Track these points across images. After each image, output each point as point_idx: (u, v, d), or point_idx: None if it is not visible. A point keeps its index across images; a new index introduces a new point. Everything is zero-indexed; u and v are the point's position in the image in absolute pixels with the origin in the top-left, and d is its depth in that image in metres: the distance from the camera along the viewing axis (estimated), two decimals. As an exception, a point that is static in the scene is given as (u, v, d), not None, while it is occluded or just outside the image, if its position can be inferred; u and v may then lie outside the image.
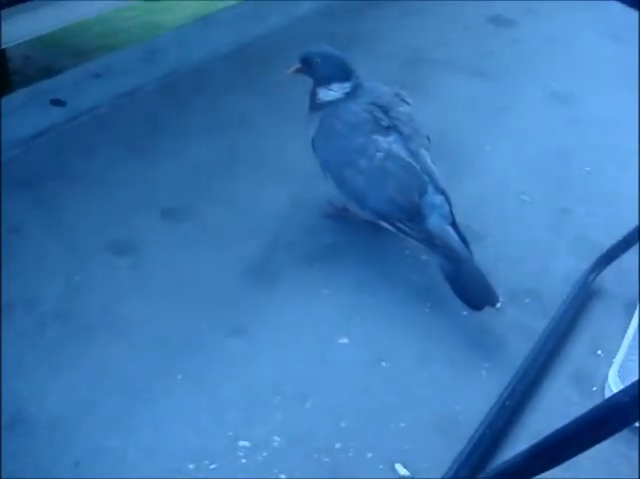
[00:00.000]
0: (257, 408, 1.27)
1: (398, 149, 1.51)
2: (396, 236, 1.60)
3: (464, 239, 1.49)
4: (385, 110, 1.55)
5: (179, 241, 1.61)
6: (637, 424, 1.29)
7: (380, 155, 1.50)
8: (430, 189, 1.51)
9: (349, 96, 1.57)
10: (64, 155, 1.85)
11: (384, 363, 1.37)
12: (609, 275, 1.60)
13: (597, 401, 1.29)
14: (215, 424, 1.24)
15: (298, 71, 1.57)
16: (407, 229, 1.49)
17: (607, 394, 1.34)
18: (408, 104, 1.61)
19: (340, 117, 1.55)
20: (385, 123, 1.53)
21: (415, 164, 1.51)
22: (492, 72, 2.37)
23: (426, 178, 1.52)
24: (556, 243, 1.71)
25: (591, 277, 1.58)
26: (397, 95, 1.61)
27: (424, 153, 1.55)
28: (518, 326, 1.47)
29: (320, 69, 1.55)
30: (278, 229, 1.66)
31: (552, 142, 2.07)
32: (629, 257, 1.58)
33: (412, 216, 1.48)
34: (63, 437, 1.20)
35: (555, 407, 1.32)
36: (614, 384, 1.32)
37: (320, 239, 1.64)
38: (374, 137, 1.51)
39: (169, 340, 1.38)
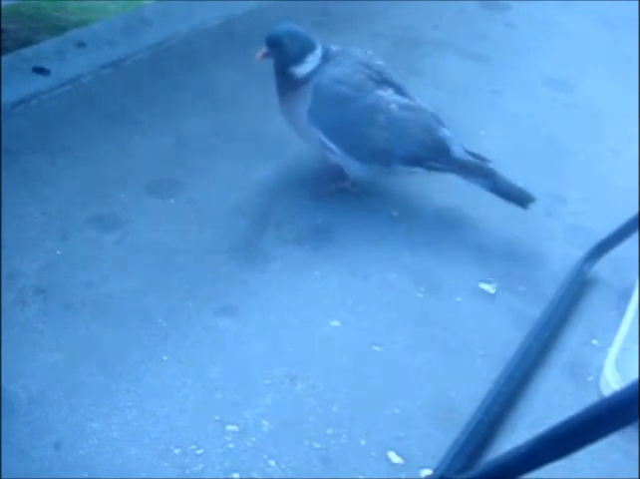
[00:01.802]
0: (246, 391, 1.23)
1: (401, 98, 1.57)
2: (389, 217, 1.57)
3: (479, 157, 1.58)
4: (369, 66, 1.57)
5: (166, 218, 1.56)
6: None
7: (394, 107, 1.54)
8: (439, 125, 1.58)
9: (324, 62, 1.55)
10: (46, 125, 1.78)
11: (376, 347, 1.33)
12: (605, 265, 1.57)
13: (592, 391, 1.29)
14: (202, 407, 1.19)
15: (267, 55, 1.53)
16: (440, 165, 1.57)
17: (602, 385, 1.32)
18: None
19: (337, 81, 1.53)
20: (378, 78, 1.56)
21: (423, 106, 1.59)
22: (486, 55, 2.34)
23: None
24: (551, 231, 1.68)
25: (586, 266, 1.56)
26: (366, 52, 1.63)
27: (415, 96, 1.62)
28: (513, 313, 1.45)
29: (291, 47, 1.51)
30: (267, 207, 1.62)
31: (546, 128, 2.05)
32: (625, 247, 1.55)
33: (441, 152, 1.56)
34: (43, 417, 1.15)
35: (551, 396, 1.30)
36: (610, 375, 1.30)
37: (310, 220, 1.60)
38: (378, 92, 1.54)
39: (155, 319, 1.33)
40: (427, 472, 1.14)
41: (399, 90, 1.59)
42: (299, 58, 1.52)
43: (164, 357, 1.26)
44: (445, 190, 1.73)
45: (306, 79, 1.53)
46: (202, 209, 1.59)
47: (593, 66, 2.35)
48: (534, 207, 1.72)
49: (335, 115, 1.54)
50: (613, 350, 1.36)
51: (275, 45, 1.51)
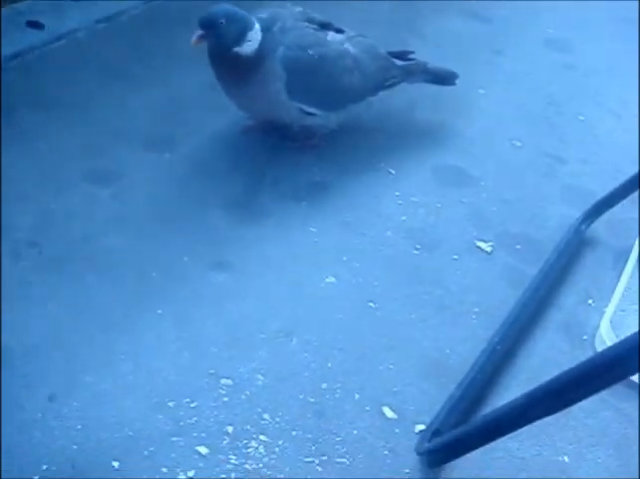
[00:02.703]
0: (241, 345, 1.22)
1: (342, 35, 1.58)
2: (387, 175, 1.57)
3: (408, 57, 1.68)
4: (307, 19, 1.54)
5: (162, 173, 1.54)
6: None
7: (348, 46, 1.56)
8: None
9: (266, 32, 1.47)
10: (41, 79, 1.75)
11: (372, 304, 1.33)
12: (602, 225, 1.57)
13: (587, 350, 1.29)
14: (197, 361, 1.19)
15: (202, 38, 1.41)
16: (394, 79, 1.66)
17: (597, 344, 1.32)
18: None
19: (302, 48, 1.48)
20: (318, 26, 1.55)
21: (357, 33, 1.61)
22: (487, 15, 2.31)
23: None
24: (549, 190, 1.67)
25: (584, 226, 1.55)
26: (287, 5, 1.60)
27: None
28: (509, 272, 1.44)
29: (228, 28, 1.41)
30: (264, 163, 1.60)
31: (546, 88, 2.03)
32: (623, 208, 1.54)
33: (391, 66, 1.64)
34: (37, 370, 1.14)
35: (546, 355, 1.30)
36: (606, 334, 1.30)
37: (308, 177, 1.59)
38: (331, 40, 1.55)
39: (150, 274, 1.32)
40: (420, 427, 1.14)
41: (336, 29, 1.58)
42: (240, 38, 1.42)
43: (159, 311, 1.26)
44: (442, 148, 1.72)
45: (260, 56, 1.45)
46: (199, 163, 1.57)
47: (594, 27, 2.33)
48: (533, 167, 1.72)
49: (313, 81, 1.51)
50: (609, 310, 1.36)
51: (211, 27, 1.40)
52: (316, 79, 1.52)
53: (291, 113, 1.54)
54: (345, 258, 1.41)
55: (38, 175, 1.50)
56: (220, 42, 1.42)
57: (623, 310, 1.36)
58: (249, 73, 1.46)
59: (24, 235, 1.36)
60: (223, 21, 1.40)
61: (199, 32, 1.39)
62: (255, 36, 1.44)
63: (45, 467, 1.02)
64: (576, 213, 1.58)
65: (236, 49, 1.43)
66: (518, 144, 1.79)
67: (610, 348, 0.80)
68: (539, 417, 0.90)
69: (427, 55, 1.76)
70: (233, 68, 1.46)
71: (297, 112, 1.53)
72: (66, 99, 1.70)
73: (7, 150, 1.52)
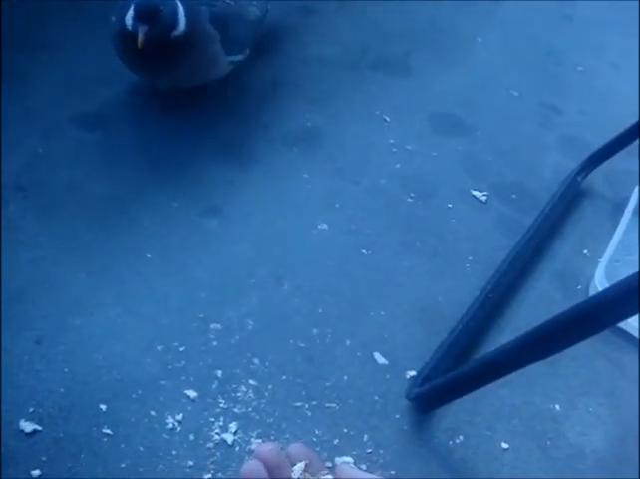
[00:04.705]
0: (231, 290, 1.21)
1: None
2: (382, 123, 1.54)
3: None
4: None
5: (150, 117, 1.51)
6: (621, 326, 1.27)
7: None
8: None
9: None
10: (28, 22, 1.71)
11: (364, 251, 1.31)
12: (599, 176, 1.55)
13: (581, 300, 1.28)
14: (186, 305, 1.17)
15: (147, 33, 1.25)
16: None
17: (591, 294, 1.30)
18: None
19: (219, 6, 1.42)
20: None
21: None
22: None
23: None
24: (546, 141, 1.65)
25: (580, 177, 1.53)
26: None
27: None
28: (504, 221, 1.42)
29: (166, 14, 1.28)
30: (256, 108, 1.57)
31: (545, 38, 1.99)
32: (619, 159, 1.52)
33: None
34: (24, 313, 1.13)
35: (539, 304, 1.29)
36: (600, 284, 1.28)
37: (300, 123, 1.55)
38: None
39: (139, 219, 1.30)
40: (411, 374, 1.13)
41: None
42: (175, 19, 1.31)
43: (148, 256, 1.24)
44: (438, 96, 1.69)
45: (191, 30, 1.34)
46: (186, 107, 1.53)
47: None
48: (529, 117, 1.69)
49: (238, 29, 1.46)
50: (604, 261, 1.34)
51: (151, 18, 1.26)
52: (239, 26, 1.47)
53: (225, 69, 1.48)
54: (337, 205, 1.38)
55: (25, 118, 1.46)
56: (161, 30, 1.29)
57: (618, 261, 1.35)
58: (184, 50, 1.35)
59: (11, 179, 1.33)
60: (162, 8, 1.27)
61: (143, 27, 1.25)
62: (182, 12, 1.32)
63: (32, 410, 1.01)
64: (573, 163, 1.56)
65: (175, 32, 1.31)
66: (516, 93, 1.76)
67: (602, 292, 0.79)
68: (530, 362, 0.89)
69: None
70: (169, 53, 1.34)
71: (228, 65, 1.47)
72: (53, 41, 1.65)
73: (-7, 93, 1.49)
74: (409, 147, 1.54)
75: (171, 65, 1.36)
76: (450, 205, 1.43)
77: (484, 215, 1.43)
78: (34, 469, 0.95)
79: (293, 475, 0.88)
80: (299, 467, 0.89)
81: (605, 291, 0.78)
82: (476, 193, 1.46)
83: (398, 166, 1.50)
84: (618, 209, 1.48)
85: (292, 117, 1.56)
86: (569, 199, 1.48)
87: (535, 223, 1.40)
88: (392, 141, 1.55)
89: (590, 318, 0.79)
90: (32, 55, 1.60)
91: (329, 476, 0.89)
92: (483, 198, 1.46)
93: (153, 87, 1.54)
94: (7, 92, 1.49)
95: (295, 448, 0.90)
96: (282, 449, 0.90)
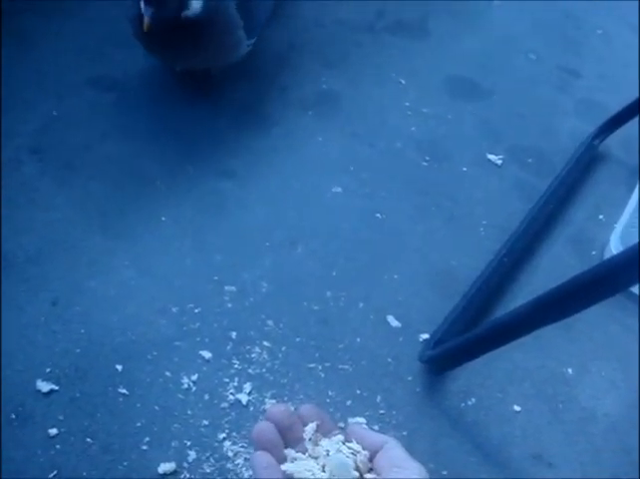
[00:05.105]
0: (245, 253, 1.21)
1: None
2: (397, 86, 1.53)
3: None
4: None
5: (166, 80, 1.50)
6: (636, 291, 1.26)
7: None
8: None
9: None
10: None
11: (379, 215, 1.31)
12: (616, 141, 1.53)
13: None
14: (201, 268, 1.18)
15: (154, 16, 1.19)
16: None
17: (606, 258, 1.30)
18: None
19: None
20: None
21: None
22: None
23: None
24: (563, 105, 1.63)
25: (597, 141, 1.52)
26: None
27: None
28: (520, 185, 1.42)
29: None
30: (272, 70, 1.56)
31: (564, 1, 1.96)
32: (636, 124, 1.50)
33: None
34: (40, 275, 1.13)
35: (553, 268, 1.29)
36: (615, 249, 1.28)
37: (316, 86, 1.54)
38: None
39: (154, 181, 1.30)
40: (424, 336, 1.14)
41: None
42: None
43: (163, 218, 1.24)
44: (454, 60, 1.67)
45: (211, 11, 1.27)
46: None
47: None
48: (547, 81, 1.67)
49: (259, 14, 1.43)
50: (619, 226, 1.34)
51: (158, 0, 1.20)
52: (261, 9, 1.44)
53: (243, 52, 1.42)
54: (352, 169, 1.38)
55: (40, 81, 1.46)
56: (167, 10, 1.22)
57: (633, 226, 1.34)
58: (205, 36, 1.29)
59: (26, 141, 1.34)
60: None
61: (148, 9, 1.18)
62: None
63: (48, 370, 1.02)
64: (590, 128, 1.54)
65: (185, 12, 1.24)
66: (533, 57, 1.74)
67: (618, 255, 0.78)
68: (544, 324, 0.89)
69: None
70: (184, 37, 1.28)
71: (247, 48, 1.41)
72: (67, 4, 1.64)
73: (8, 56, 1.48)
74: (424, 110, 1.53)
75: (190, 50, 1.31)
76: (465, 169, 1.42)
77: (500, 179, 1.42)
78: (51, 428, 0.96)
79: (305, 435, 0.90)
80: (311, 427, 0.90)
81: (621, 254, 0.78)
82: (491, 157, 1.46)
83: (413, 129, 1.49)
84: (634, 174, 1.47)
85: (308, 80, 1.55)
86: (586, 163, 1.47)
87: (551, 187, 1.39)
88: (407, 104, 1.54)
89: (605, 281, 0.79)
90: (46, 18, 1.60)
91: (340, 436, 0.90)
92: (499, 162, 1.45)
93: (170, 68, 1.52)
94: (22, 55, 1.50)
95: (307, 409, 0.91)
96: (294, 410, 0.91)
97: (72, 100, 1.43)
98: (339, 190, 1.34)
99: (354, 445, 0.87)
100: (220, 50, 1.37)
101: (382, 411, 1.04)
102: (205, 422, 1.00)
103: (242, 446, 0.98)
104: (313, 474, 0.85)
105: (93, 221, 1.23)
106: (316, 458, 0.87)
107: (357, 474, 0.85)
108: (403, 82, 1.59)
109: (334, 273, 1.20)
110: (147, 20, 1.20)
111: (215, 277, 1.17)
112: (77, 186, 1.28)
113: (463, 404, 1.08)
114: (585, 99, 1.65)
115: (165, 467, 0.94)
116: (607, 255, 1.29)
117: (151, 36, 1.26)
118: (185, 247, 1.20)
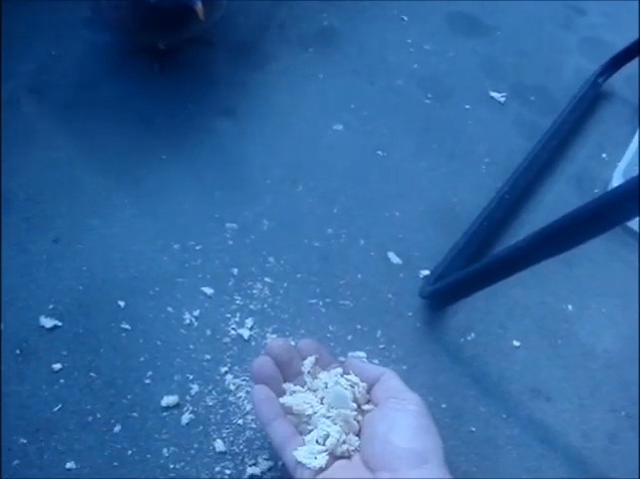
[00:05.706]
0: (245, 191, 1.21)
1: None
2: (399, 22, 1.51)
3: None
4: None
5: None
6: (636, 229, 1.26)
7: None
8: None
9: None
10: None
11: (380, 152, 1.30)
12: (619, 79, 1.51)
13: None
14: (201, 205, 1.18)
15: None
16: None
17: (609, 196, 1.29)
18: None
19: None
20: None
21: None
22: None
23: None
24: (567, 42, 1.61)
25: (601, 79, 1.50)
26: None
27: None
28: (522, 123, 1.40)
29: None
30: (270, 6, 1.54)
31: None
32: (642, 62, 1.49)
33: None
34: (41, 213, 1.14)
35: (555, 206, 1.28)
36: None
37: (316, 22, 1.52)
38: None
39: (153, 120, 1.29)
40: (425, 273, 1.14)
41: None
42: None
43: (163, 157, 1.24)
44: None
45: None
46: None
47: None
48: (551, 18, 1.64)
49: None
50: (622, 164, 1.33)
51: None
52: None
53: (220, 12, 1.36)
54: (353, 106, 1.37)
55: (36, 20, 1.44)
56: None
57: (636, 165, 1.33)
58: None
59: (24, 81, 1.32)
60: None
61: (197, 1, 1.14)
62: None
63: (51, 306, 1.03)
64: (594, 66, 1.52)
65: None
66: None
67: (617, 187, 0.78)
68: (544, 258, 0.89)
69: None
70: (189, 21, 1.23)
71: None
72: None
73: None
74: (427, 47, 1.51)
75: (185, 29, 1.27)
76: (467, 106, 1.41)
77: (503, 116, 1.41)
78: (55, 363, 0.97)
79: (303, 368, 0.91)
80: (309, 361, 0.91)
81: (622, 185, 0.77)
82: (494, 94, 1.44)
83: (415, 66, 1.47)
84: (638, 113, 1.46)
85: (308, 16, 1.53)
86: (589, 101, 1.46)
87: (554, 125, 1.38)
88: (409, 41, 1.52)
89: (606, 212, 0.79)
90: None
91: (338, 369, 0.91)
92: (502, 99, 1.43)
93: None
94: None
95: (305, 343, 0.93)
96: (294, 344, 0.92)
97: (70, 39, 1.41)
98: (340, 127, 1.33)
99: (352, 377, 0.88)
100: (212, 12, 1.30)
101: (382, 346, 1.05)
102: (208, 356, 1.01)
103: (244, 380, 0.99)
104: (311, 406, 0.87)
105: (93, 160, 1.22)
106: (314, 391, 0.89)
107: (355, 406, 0.86)
108: (405, 18, 1.56)
109: (335, 211, 1.20)
110: (200, 5, 1.14)
111: (216, 215, 1.17)
112: (76, 126, 1.27)
113: (462, 339, 1.08)
114: (590, 36, 1.63)
115: (169, 400, 0.96)
116: (609, 193, 1.29)
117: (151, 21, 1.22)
118: (186, 186, 1.20)
